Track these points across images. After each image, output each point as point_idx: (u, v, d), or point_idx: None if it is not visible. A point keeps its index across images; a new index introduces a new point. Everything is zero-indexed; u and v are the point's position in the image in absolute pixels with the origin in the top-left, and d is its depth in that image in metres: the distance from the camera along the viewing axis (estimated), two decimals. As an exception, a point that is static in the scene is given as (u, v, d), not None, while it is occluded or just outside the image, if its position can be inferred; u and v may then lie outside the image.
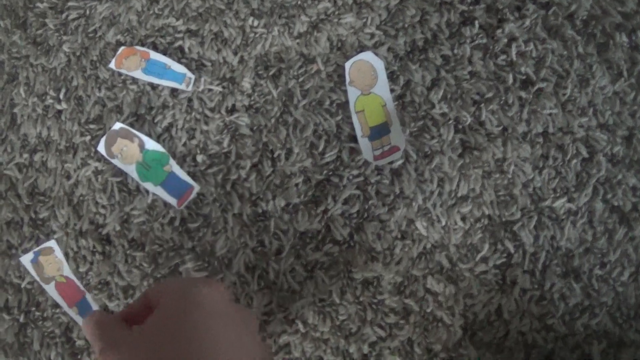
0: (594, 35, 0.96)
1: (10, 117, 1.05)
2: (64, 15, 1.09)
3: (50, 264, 0.95)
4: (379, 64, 0.94)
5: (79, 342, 0.95)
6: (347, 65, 0.94)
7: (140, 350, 0.56)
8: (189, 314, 0.59)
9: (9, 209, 1.02)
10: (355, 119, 0.92)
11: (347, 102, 0.95)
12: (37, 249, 0.96)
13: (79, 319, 0.94)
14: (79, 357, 0.95)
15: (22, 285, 0.99)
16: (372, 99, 0.93)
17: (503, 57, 0.95)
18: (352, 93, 0.93)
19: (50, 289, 0.95)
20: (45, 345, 0.97)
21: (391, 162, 0.92)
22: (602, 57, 0.95)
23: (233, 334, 0.60)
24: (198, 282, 0.65)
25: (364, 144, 0.93)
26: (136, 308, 0.68)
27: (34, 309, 0.98)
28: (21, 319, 0.98)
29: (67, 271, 0.95)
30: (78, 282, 0.95)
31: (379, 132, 0.92)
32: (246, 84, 0.98)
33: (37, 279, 0.95)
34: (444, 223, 0.90)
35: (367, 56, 0.94)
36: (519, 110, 0.93)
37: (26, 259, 0.96)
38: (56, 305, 0.97)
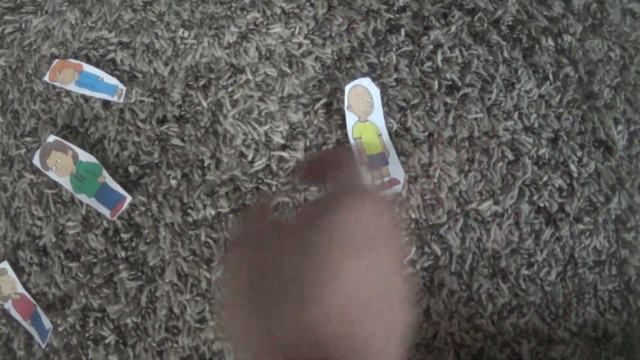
0: (520, 39, 0.96)
1: (-52, 131, 1.02)
2: None
3: (5, 283, 0.95)
4: (375, 91, 0.93)
5: (20, 353, 0.93)
6: (347, 89, 0.92)
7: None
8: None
9: None
10: (353, 146, 0.91)
11: (276, 111, 0.94)
12: None
13: (33, 331, 0.94)
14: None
15: None
16: (369, 127, 0.92)
17: (429, 63, 0.95)
18: (350, 119, 0.92)
19: (9, 306, 0.95)
20: (-14, 356, 0.95)
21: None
22: (528, 61, 0.95)
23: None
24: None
25: (363, 172, 0.89)
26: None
27: None
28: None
29: (20, 288, 0.95)
30: (29, 297, 0.95)
31: (378, 162, 0.91)
32: (176, 94, 0.96)
33: None
34: (371, 228, 0.88)
35: (365, 82, 0.93)
36: (445, 116, 0.93)
37: None
38: None
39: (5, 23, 1.07)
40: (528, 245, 0.89)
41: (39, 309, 0.93)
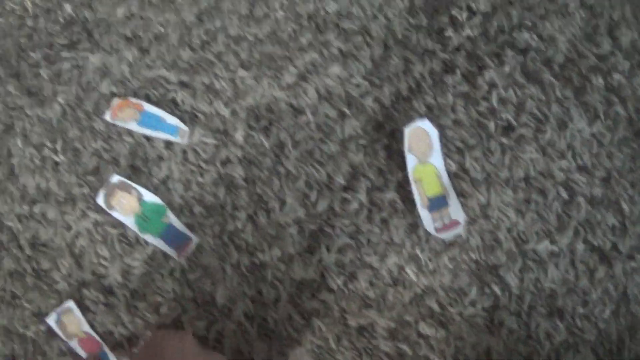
0: (571, 78, 0.98)
1: (8, 167, 1.05)
2: (57, 66, 1.09)
3: (71, 322, 0.96)
4: (434, 133, 0.94)
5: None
6: (406, 131, 0.93)
7: None
8: None
9: (12, 259, 1.02)
10: (414, 188, 0.92)
11: (337, 152, 0.96)
12: (58, 309, 0.96)
13: (101, 370, 0.95)
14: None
15: (28, 335, 0.99)
16: (429, 168, 0.93)
17: (485, 104, 0.97)
18: (410, 161, 0.93)
19: (74, 345, 0.95)
20: (53, 392, 0.97)
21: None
22: (579, 99, 0.97)
23: None
24: (167, 335, 0.67)
25: (424, 214, 0.91)
26: None
27: (40, 357, 0.98)
28: (28, 367, 0.97)
29: (85, 327, 0.96)
30: (95, 335, 0.96)
31: (438, 203, 0.92)
32: (239, 136, 0.99)
33: (62, 336, 0.96)
34: (432, 268, 0.91)
35: (424, 124, 0.93)
36: (501, 157, 0.95)
37: (51, 320, 0.96)
38: (63, 354, 0.98)
39: (63, 60, 1.08)
40: (583, 284, 0.91)
41: (105, 348, 0.95)
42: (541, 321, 0.90)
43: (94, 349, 0.95)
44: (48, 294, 0.98)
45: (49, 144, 1.04)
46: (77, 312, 0.95)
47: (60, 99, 1.06)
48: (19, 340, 0.99)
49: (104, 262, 0.98)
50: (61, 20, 1.13)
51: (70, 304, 0.96)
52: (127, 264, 0.97)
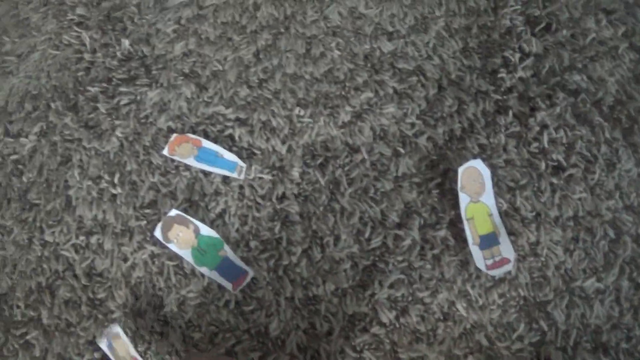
0: (620, 120, 1.16)
1: (64, 198, 1.23)
2: (115, 100, 1.28)
3: (120, 346, 1.10)
4: (486, 173, 1.10)
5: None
6: (460, 170, 1.09)
7: None
8: None
9: (67, 288, 1.17)
10: (466, 226, 1.06)
11: (391, 190, 1.15)
12: (106, 332, 1.09)
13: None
14: None
15: None
16: (480, 207, 1.09)
17: (535, 144, 1.14)
18: (463, 199, 1.07)
19: None
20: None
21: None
22: (628, 140, 1.15)
23: None
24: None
25: (475, 251, 1.05)
26: None
27: None
28: (82, 394, 1.15)
29: (133, 352, 1.10)
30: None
31: (489, 241, 1.06)
32: (295, 172, 1.17)
33: None
34: (482, 304, 1.08)
35: (477, 164, 1.08)
36: (551, 196, 1.12)
37: (103, 344, 1.07)
38: None
39: (121, 94, 1.27)
40: (627, 320, 1.07)
41: None
42: (586, 356, 1.05)
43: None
44: (103, 323, 1.14)
45: (106, 177, 1.22)
46: (124, 337, 1.10)
47: (118, 133, 1.24)
48: (73, 368, 1.14)
49: (159, 293, 1.15)
50: (119, 55, 1.32)
51: (117, 328, 1.11)
52: (183, 295, 1.14)
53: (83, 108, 1.28)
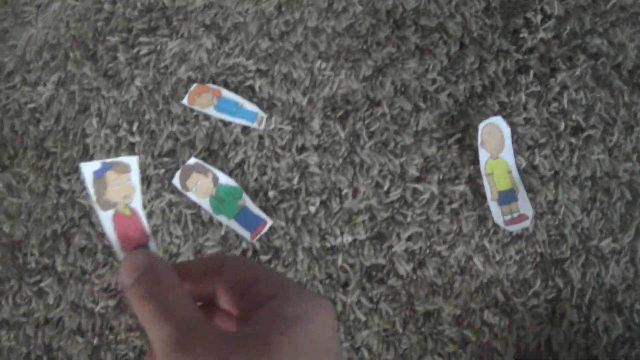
0: (639, 84, 1.17)
1: (82, 147, 1.24)
2: (135, 50, 1.29)
3: (118, 185, 0.62)
4: (506, 130, 1.12)
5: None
6: (480, 126, 1.10)
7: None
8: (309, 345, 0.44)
9: (83, 236, 1.20)
10: (485, 181, 1.09)
11: (411, 144, 1.16)
12: (108, 160, 0.63)
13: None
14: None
15: (96, 310, 1.16)
16: (500, 163, 1.12)
17: (555, 104, 1.16)
18: (483, 155, 1.10)
19: (106, 219, 0.61)
20: (119, 367, 1.14)
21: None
22: (647, 105, 1.15)
23: None
24: (317, 305, 0.47)
25: (493, 207, 1.08)
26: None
27: (107, 332, 1.15)
28: (95, 341, 1.13)
29: (136, 202, 0.64)
30: (145, 222, 0.64)
31: (507, 197, 1.09)
32: (315, 124, 1.19)
33: (94, 199, 0.61)
34: (499, 259, 1.10)
35: (497, 121, 1.11)
36: (570, 155, 1.14)
37: (88, 169, 0.60)
38: (130, 329, 1.15)
39: (140, 44, 1.28)
40: None
41: (151, 243, 0.62)
42: (600, 315, 1.07)
43: (134, 238, 0.61)
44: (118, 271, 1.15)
45: (125, 125, 1.24)
46: (136, 176, 0.61)
47: (137, 82, 1.26)
48: (87, 314, 1.16)
49: (176, 241, 1.16)
50: (139, 6, 1.33)
51: (132, 160, 0.62)
52: (200, 244, 1.15)
53: (102, 57, 1.29)
